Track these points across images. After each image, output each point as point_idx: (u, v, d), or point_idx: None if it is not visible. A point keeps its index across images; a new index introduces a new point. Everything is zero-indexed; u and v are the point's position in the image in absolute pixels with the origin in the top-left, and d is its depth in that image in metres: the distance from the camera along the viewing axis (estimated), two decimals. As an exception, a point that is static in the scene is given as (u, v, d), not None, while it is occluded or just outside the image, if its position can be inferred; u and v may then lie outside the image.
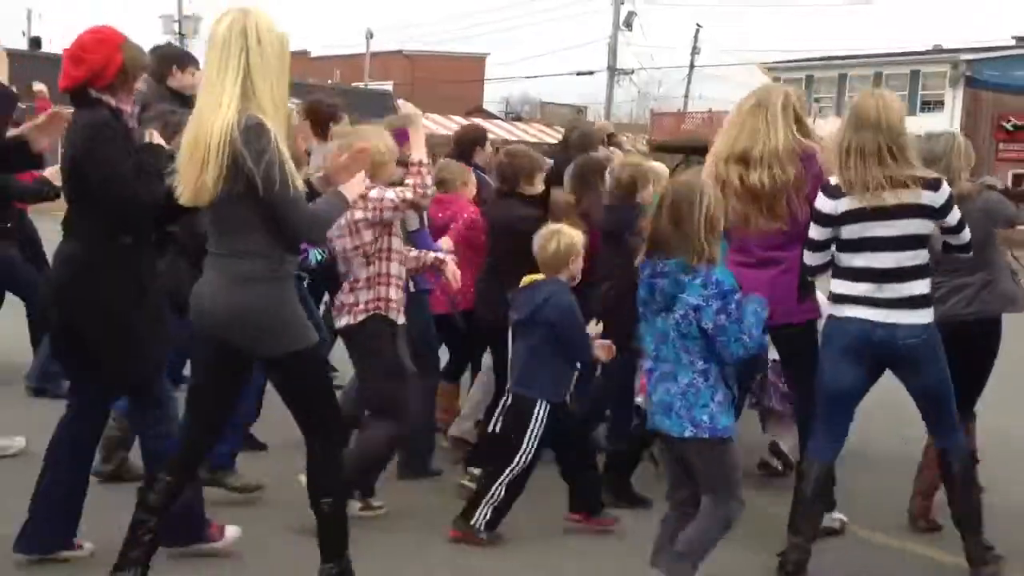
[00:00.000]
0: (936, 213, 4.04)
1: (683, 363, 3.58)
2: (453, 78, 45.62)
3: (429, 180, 4.62)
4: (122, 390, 4.08)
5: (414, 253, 4.89)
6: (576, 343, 4.58)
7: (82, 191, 3.83)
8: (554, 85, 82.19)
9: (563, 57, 77.84)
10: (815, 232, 4.16)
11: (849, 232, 4.07)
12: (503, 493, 4.49)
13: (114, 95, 3.83)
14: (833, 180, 4.10)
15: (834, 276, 4.20)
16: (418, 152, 4.57)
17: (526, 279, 4.69)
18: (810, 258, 4.24)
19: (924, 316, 4.07)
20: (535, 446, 4.53)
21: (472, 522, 4.47)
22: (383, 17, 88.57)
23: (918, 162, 4.11)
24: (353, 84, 39.98)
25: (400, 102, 5.00)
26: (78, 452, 3.99)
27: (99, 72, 3.78)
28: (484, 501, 4.49)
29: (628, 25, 36.88)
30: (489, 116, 38.67)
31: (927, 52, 38.68)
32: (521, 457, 4.51)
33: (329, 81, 38.04)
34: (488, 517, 4.48)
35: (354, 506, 4.53)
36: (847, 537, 4.74)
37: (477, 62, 52.61)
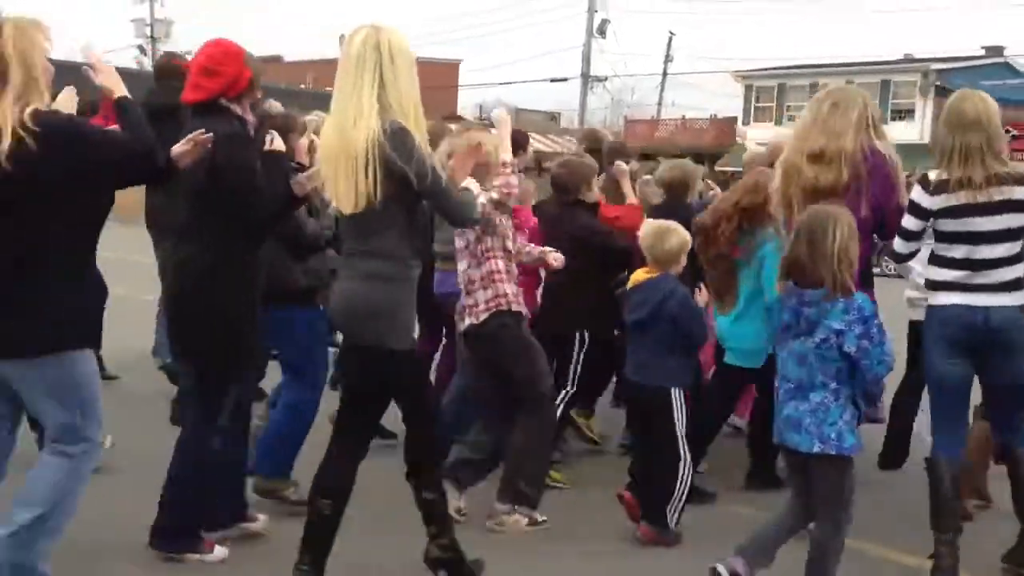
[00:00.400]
0: None
1: (816, 382, 3.73)
2: (426, 84, 45.50)
3: (514, 180, 4.79)
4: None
5: (527, 248, 5.10)
6: (697, 331, 4.76)
7: (213, 199, 3.98)
8: (528, 92, 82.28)
9: (537, 64, 78.28)
10: (910, 223, 4.37)
11: (947, 225, 4.26)
12: (687, 490, 4.67)
13: (239, 104, 4.05)
14: (932, 175, 4.28)
15: (931, 263, 4.40)
16: (505, 152, 4.78)
17: (636, 276, 4.81)
18: (902, 246, 4.44)
19: (1017, 298, 4.23)
20: (684, 432, 4.70)
21: (668, 525, 4.65)
22: (357, 22, 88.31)
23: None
24: (326, 88, 39.81)
25: (495, 111, 5.18)
26: (226, 444, 4.21)
27: (232, 84, 4.01)
28: (672, 503, 4.65)
29: (602, 33, 37.06)
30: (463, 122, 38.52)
31: (898, 61, 39.07)
32: (682, 449, 4.67)
33: (302, 86, 37.92)
34: (678, 516, 4.67)
35: (520, 522, 4.77)
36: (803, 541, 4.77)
37: (451, 68, 52.57)
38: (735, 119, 40.20)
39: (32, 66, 3.29)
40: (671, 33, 46.08)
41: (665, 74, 43.69)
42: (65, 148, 3.28)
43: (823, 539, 3.84)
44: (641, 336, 4.75)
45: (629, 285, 4.82)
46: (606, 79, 38.99)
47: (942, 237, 4.31)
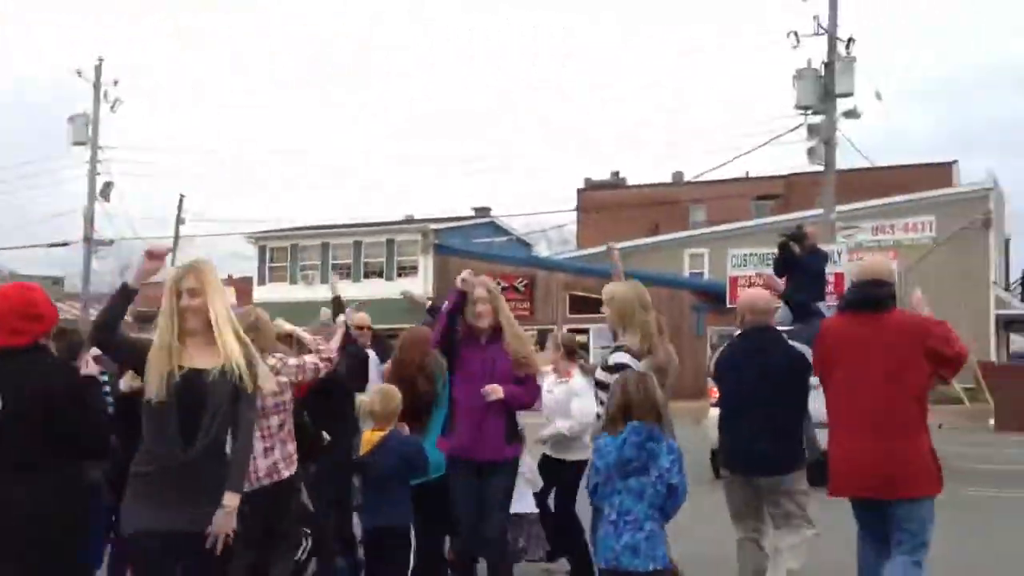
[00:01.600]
0: None
1: (649, 513, 4.60)
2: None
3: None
4: None
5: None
6: (424, 468, 5.79)
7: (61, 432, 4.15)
8: (32, 255, 76.06)
9: (41, 228, 73.23)
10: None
11: None
12: None
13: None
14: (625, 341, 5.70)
15: None
16: (336, 340, 5.95)
17: (368, 439, 5.64)
18: None
19: None
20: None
21: None
22: None
23: None
24: None
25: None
26: None
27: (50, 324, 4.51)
28: None
29: (105, 196, 35.58)
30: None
31: (400, 222, 41.84)
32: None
33: None
34: None
35: None
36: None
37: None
38: (251, 279, 40.39)
39: None
40: (182, 195, 45.55)
41: (177, 236, 42.97)
42: None
43: None
44: (384, 484, 5.56)
45: (368, 449, 5.58)
46: (111, 242, 37.27)
47: None
